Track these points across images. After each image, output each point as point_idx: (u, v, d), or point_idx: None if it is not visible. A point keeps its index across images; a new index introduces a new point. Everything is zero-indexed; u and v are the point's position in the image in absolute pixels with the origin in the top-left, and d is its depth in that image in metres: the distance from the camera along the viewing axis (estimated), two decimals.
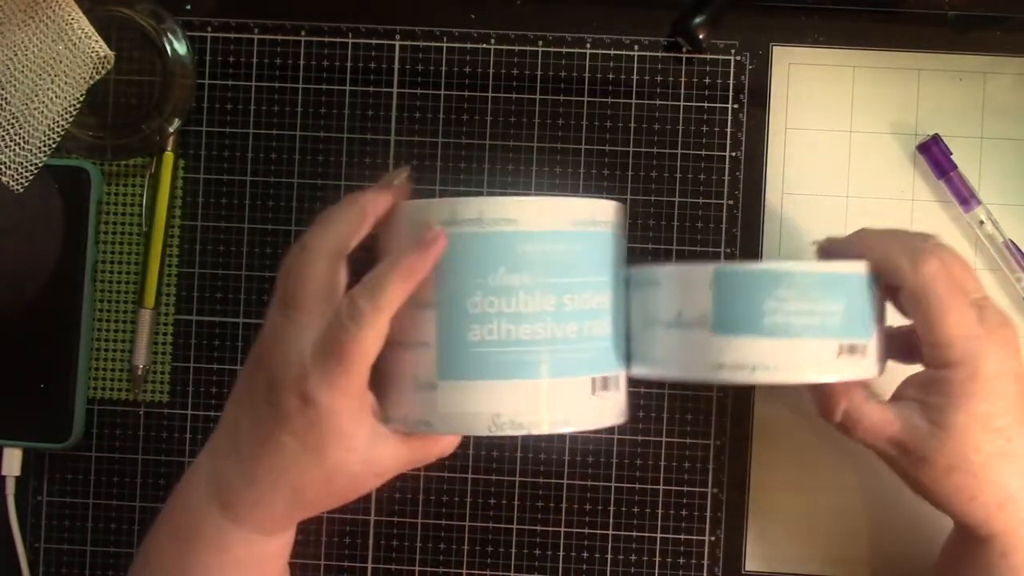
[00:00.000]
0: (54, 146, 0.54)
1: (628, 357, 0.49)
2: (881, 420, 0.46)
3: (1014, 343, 0.45)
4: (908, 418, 0.45)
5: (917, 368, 0.47)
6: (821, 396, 0.48)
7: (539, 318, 0.46)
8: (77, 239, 0.57)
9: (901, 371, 0.48)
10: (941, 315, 0.44)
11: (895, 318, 0.47)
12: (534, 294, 0.45)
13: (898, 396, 0.47)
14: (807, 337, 0.44)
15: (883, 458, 0.47)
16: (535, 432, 0.46)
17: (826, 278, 0.45)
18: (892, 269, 0.45)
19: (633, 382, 0.49)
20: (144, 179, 0.58)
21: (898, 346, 0.49)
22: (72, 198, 0.57)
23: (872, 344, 0.46)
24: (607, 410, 0.48)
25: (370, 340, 0.44)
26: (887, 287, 0.46)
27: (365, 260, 0.46)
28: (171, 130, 0.57)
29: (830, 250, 0.49)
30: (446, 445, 0.49)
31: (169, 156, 0.57)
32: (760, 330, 0.44)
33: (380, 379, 0.47)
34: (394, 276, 0.44)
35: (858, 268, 0.46)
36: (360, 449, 0.45)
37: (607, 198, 0.48)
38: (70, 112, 0.54)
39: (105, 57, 0.53)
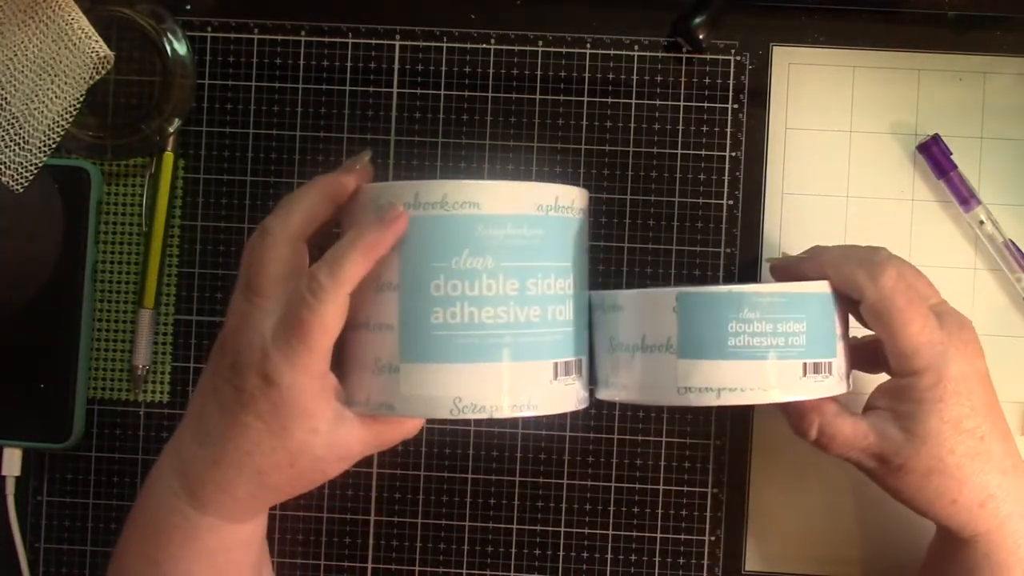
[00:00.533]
0: (54, 146, 0.54)
1: (594, 378, 0.49)
2: (854, 433, 0.46)
3: (974, 343, 0.46)
4: (881, 428, 0.46)
5: (884, 377, 0.48)
6: (793, 414, 0.48)
7: (502, 301, 0.45)
8: (77, 239, 0.57)
9: (872, 380, 0.48)
10: (903, 325, 0.45)
11: (856, 329, 0.48)
12: (497, 277, 0.45)
13: (870, 407, 0.48)
14: (771, 358, 0.45)
15: (862, 470, 0.48)
16: (496, 416, 0.45)
17: (788, 298, 0.45)
18: (850, 284, 0.46)
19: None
20: (144, 179, 0.58)
21: (862, 357, 0.49)
22: (72, 198, 0.57)
23: (837, 361, 0.46)
24: (568, 395, 0.48)
25: (330, 315, 0.44)
26: (847, 301, 0.47)
27: (329, 245, 0.46)
28: (171, 130, 0.57)
29: (785, 269, 0.50)
30: (409, 428, 0.49)
31: (169, 156, 0.57)
32: (724, 353, 0.45)
33: (343, 362, 0.47)
34: (354, 251, 0.44)
35: (820, 287, 0.46)
36: (324, 431, 0.45)
37: (572, 184, 0.48)
38: (70, 112, 0.54)
39: (105, 57, 0.53)
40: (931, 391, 0.45)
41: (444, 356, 0.45)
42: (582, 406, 0.48)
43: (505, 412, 0.46)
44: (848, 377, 0.47)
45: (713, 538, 0.57)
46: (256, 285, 0.45)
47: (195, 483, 0.46)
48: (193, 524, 0.46)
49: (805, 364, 0.45)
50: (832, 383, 0.46)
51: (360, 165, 0.48)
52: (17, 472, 0.57)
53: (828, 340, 0.46)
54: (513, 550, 0.57)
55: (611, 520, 0.57)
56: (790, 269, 0.49)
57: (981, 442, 0.45)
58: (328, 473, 0.47)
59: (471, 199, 0.45)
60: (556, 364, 0.47)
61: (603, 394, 0.49)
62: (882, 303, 0.45)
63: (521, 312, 0.46)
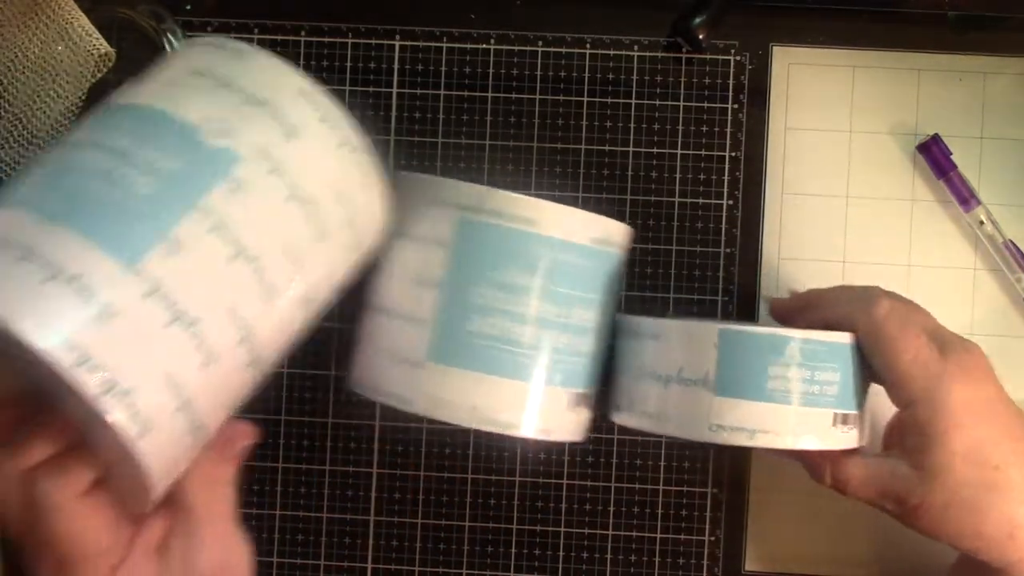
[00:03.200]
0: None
1: (610, 402, 0.49)
2: (866, 476, 0.46)
3: (981, 369, 0.45)
4: (893, 468, 0.45)
5: None
6: (807, 462, 0.48)
7: (540, 324, 0.46)
8: None
9: None
10: (896, 353, 0.44)
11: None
12: (541, 299, 0.46)
13: (885, 446, 0.48)
14: (807, 406, 0.45)
15: (889, 514, 0.47)
16: (509, 432, 0.46)
17: (828, 347, 0.45)
18: (846, 318, 0.46)
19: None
20: None
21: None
22: None
23: (862, 415, 0.47)
24: (579, 425, 0.48)
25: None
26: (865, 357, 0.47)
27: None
28: None
29: (786, 310, 0.50)
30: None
31: None
32: (762, 395, 0.45)
33: (358, 340, 0.46)
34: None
35: (850, 338, 0.46)
36: None
37: (618, 220, 0.49)
38: (72, 111, 0.54)
39: (106, 54, 0.53)
40: (931, 424, 0.44)
41: (473, 364, 0.45)
42: (583, 438, 0.49)
43: (519, 431, 0.46)
44: (864, 431, 0.47)
45: (713, 538, 0.57)
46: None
47: None
48: None
49: (835, 414, 0.45)
50: (854, 436, 0.46)
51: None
52: None
53: (857, 392, 0.46)
54: (513, 550, 0.57)
55: (611, 520, 0.57)
56: (791, 311, 0.50)
57: (997, 472, 0.43)
58: None
59: (530, 216, 0.46)
60: (576, 394, 0.48)
61: (621, 419, 0.49)
62: (874, 332, 0.45)
63: (555, 337, 0.46)
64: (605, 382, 0.50)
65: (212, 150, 0.39)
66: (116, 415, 0.35)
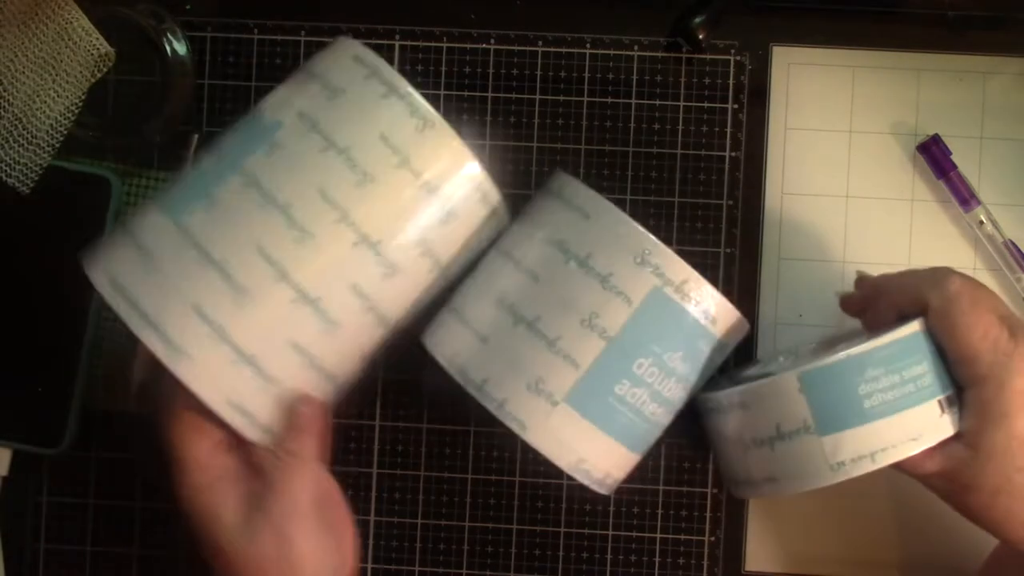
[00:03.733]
0: (58, 145, 0.54)
1: (727, 481, 0.51)
2: (920, 454, 0.45)
3: None
4: (946, 446, 0.45)
5: None
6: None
7: (669, 406, 0.48)
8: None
9: None
10: (966, 329, 0.44)
11: None
12: (680, 386, 0.47)
13: None
14: (912, 407, 0.45)
15: (934, 491, 0.47)
16: (595, 489, 0.48)
17: (902, 344, 0.45)
18: (916, 298, 0.46)
19: None
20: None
21: None
22: (91, 207, 0.57)
23: (957, 390, 0.46)
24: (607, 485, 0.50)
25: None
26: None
27: None
28: (193, 146, 0.57)
29: (851, 306, 0.51)
30: None
31: None
32: (865, 417, 0.45)
33: (495, 344, 0.47)
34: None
35: (920, 325, 0.46)
36: None
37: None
38: (72, 111, 0.54)
39: (106, 54, 0.53)
40: (995, 403, 0.43)
41: (602, 422, 0.46)
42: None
43: (603, 488, 0.48)
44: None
45: (713, 538, 0.57)
46: None
47: None
48: None
49: (940, 401, 0.45)
50: (958, 411, 0.46)
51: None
52: (5, 472, 0.57)
53: (946, 373, 0.46)
54: (513, 550, 0.57)
55: (611, 520, 0.57)
56: (860, 303, 0.50)
57: None
58: None
59: (715, 315, 0.47)
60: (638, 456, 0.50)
61: (746, 494, 0.49)
62: (945, 308, 0.45)
63: (667, 416, 0.48)
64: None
65: None
66: None
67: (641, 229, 0.46)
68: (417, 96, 0.45)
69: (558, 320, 0.46)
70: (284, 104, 0.46)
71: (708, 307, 0.47)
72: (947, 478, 0.45)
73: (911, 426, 0.45)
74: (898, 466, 0.46)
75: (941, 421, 0.45)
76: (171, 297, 0.43)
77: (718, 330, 0.47)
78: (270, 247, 0.43)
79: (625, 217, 0.47)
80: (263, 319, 0.43)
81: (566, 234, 0.47)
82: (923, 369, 0.45)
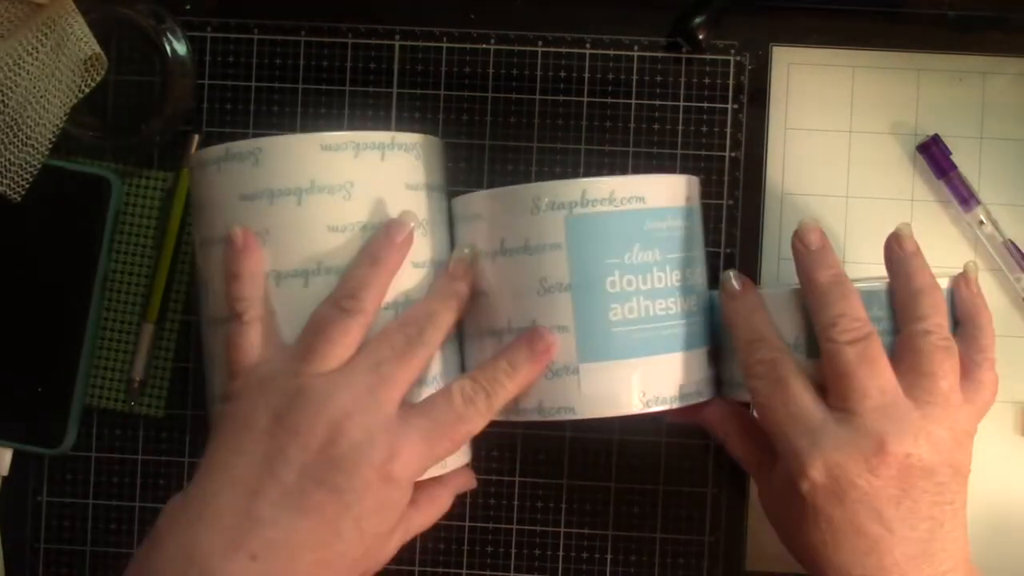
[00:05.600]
0: (47, 151, 0.53)
1: (724, 382, 0.50)
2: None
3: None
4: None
5: None
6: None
7: (670, 293, 0.47)
8: (91, 248, 0.57)
9: None
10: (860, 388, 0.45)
11: None
12: (665, 269, 0.47)
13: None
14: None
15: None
16: (674, 406, 0.47)
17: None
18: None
19: None
20: (164, 192, 0.57)
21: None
22: (91, 207, 0.57)
23: None
24: (713, 382, 0.50)
25: (478, 430, 0.44)
26: None
27: None
28: (193, 146, 0.57)
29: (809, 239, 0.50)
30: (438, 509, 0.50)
31: (187, 173, 0.57)
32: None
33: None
34: (512, 384, 0.45)
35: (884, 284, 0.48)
36: (398, 535, 0.46)
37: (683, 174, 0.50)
38: (61, 118, 0.53)
39: (101, 60, 0.53)
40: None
41: (626, 352, 0.46)
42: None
43: (682, 401, 0.47)
44: None
45: (713, 538, 0.57)
46: (396, 380, 0.43)
47: None
48: None
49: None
50: None
51: (468, 263, 0.48)
52: (5, 472, 0.57)
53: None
54: (513, 550, 0.57)
55: (611, 520, 0.57)
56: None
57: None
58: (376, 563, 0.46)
59: (637, 193, 0.46)
60: (708, 351, 0.49)
61: (742, 395, 0.49)
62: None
63: (684, 302, 0.47)
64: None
65: None
66: None
67: (515, 187, 0.47)
68: None
69: (522, 308, 0.46)
70: None
71: (623, 196, 0.46)
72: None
73: None
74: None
75: None
76: None
77: (655, 203, 0.47)
78: None
79: (498, 191, 0.47)
80: None
81: (478, 240, 0.48)
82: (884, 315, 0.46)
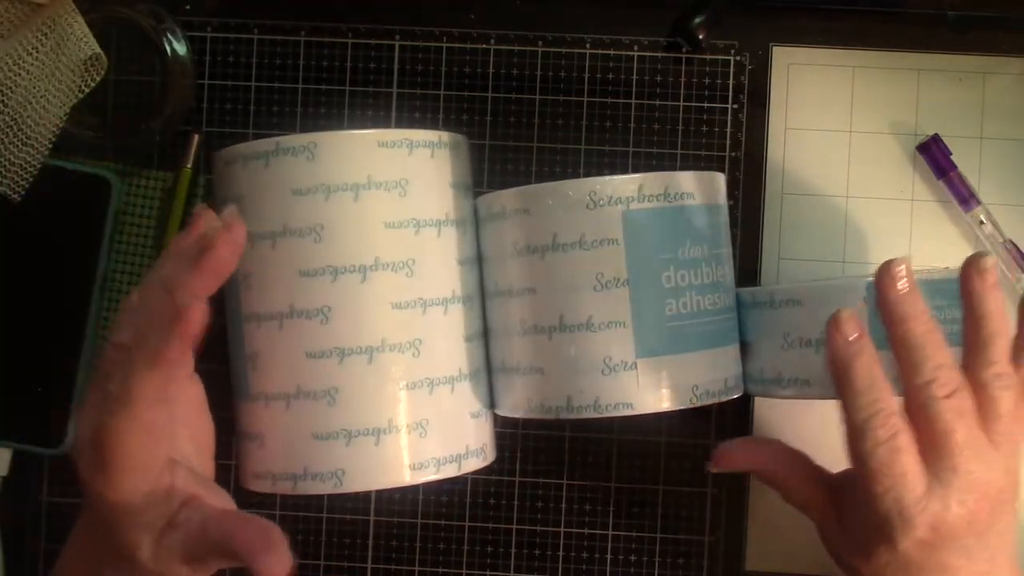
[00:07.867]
0: (47, 150, 0.53)
1: (749, 377, 0.50)
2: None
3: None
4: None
5: None
6: None
7: (714, 288, 0.48)
8: (91, 248, 0.57)
9: None
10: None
11: None
12: (711, 265, 0.48)
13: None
14: (955, 346, 0.45)
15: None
16: (724, 399, 0.48)
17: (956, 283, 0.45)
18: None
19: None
20: (164, 193, 0.57)
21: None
22: (91, 207, 0.56)
23: None
24: (743, 378, 0.50)
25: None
26: None
27: None
28: (193, 146, 0.57)
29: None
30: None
31: (187, 173, 0.57)
32: None
33: (550, 367, 0.47)
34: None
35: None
36: None
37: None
38: (61, 118, 0.53)
39: (101, 60, 0.53)
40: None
41: (681, 346, 0.46)
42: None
43: (727, 394, 0.48)
44: None
45: (713, 538, 0.57)
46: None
47: None
48: None
49: (957, 350, 0.45)
50: None
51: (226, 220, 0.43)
52: (5, 472, 0.57)
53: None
54: (513, 550, 0.57)
55: (611, 520, 0.57)
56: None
57: None
58: None
59: (688, 190, 0.47)
60: (739, 346, 0.50)
61: (768, 392, 0.49)
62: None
63: (725, 298, 0.49)
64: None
65: None
66: None
67: (566, 181, 0.47)
68: None
69: (577, 304, 0.46)
70: None
71: (676, 190, 0.47)
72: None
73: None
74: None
75: None
76: None
77: (700, 200, 0.48)
78: None
79: (547, 186, 0.47)
80: None
81: (523, 236, 0.48)
82: (959, 316, 0.45)
